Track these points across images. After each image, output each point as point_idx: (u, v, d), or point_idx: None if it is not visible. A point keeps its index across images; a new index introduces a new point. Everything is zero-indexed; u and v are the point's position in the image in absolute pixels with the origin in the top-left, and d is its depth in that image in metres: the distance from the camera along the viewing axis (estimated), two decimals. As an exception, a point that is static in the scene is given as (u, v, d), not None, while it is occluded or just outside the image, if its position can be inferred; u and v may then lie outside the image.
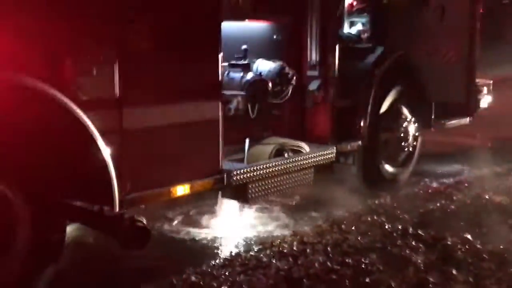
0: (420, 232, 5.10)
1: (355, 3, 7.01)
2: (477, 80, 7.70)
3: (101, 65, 3.81)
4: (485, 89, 7.85)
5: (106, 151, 3.74)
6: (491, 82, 8.02)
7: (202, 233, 5.39)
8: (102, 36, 3.81)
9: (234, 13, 5.06)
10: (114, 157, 3.79)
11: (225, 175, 4.69)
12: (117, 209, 3.83)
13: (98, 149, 3.70)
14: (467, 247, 4.81)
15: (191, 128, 4.45)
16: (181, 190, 4.39)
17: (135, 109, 4.02)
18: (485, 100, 7.85)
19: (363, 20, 6.95)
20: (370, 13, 6.83)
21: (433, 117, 7.10)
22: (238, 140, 5.20)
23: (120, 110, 3.93)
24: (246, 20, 5.47)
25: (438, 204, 6.06)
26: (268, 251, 4.81)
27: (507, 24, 18.02)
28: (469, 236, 5.01)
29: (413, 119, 6.89)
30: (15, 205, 3.63)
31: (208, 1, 4.50)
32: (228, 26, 4.82)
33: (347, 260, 4.57)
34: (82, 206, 3.93)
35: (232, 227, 5.55)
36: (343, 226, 5.35)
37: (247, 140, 5.20)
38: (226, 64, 5.14)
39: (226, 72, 5.21)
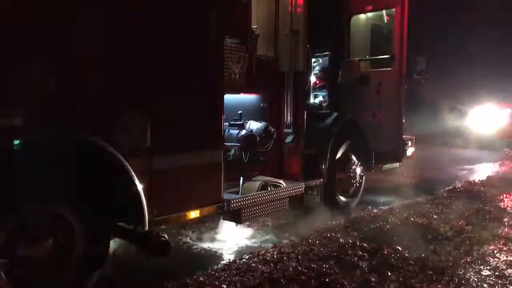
0: (364, 244, 5.07)
1: (317, 81, 7.14)
2: (404, 136, 7.77)
3: (138, 125, 3.84)
4: (409, 142, 7.91)
5: (139, 186, 3.73)
6: (414, 137, 8.09)
7: (207, 245, 5.32)
8: (141, 106, 3.87)
9: (233, 88, 5.10)
10: (145, 190, 3.79)
11: (225, 203, 4.68)
12: (147, 228, 3.81)
13: (134, 184, 3.70)
14: (398, 255, 4.78)
15: (201, 169, 4.44)
16: (193, 214, 4.36)
17: (162, 155, 4.03)
18: (410, 150, 7.90)
19: (323, 93, 7.08)
20: (328, 89, 6.97)
21: (373, 162, 7.13)
22: (235, 178, 5.20)
23: (151, 156, 3.95)
24: (241, 93, 5.52)
25: (377, 224, 6.04)
26: (255, 259, 4.75)
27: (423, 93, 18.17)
28: (399, 247, 4.99)
29: (359, 163, 6.92)
30: (75, 227, 3.59)
31: (214, 81, 4.56)
32: (229, 97, 4.88)
33: (312, 265, 4.52)
34: (122, 226, 3.89)
35: (229, 240, 5.49)
36: (310, 240, 5.31)
37: (241, 178, 5.19)
38: (227, 124, 5.17)
39: (227, 130, 5.24)
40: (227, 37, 4.81)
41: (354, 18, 7.02)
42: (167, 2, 4.06)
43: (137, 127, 3.85)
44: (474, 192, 8.15)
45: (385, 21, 7.43)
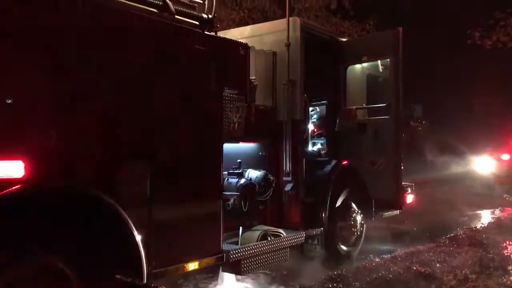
0: (367, 295, 4.95)
1: (315, 129, 7.20)
2: (403, 183, 7.74)
3: (138, 178, 3.84)
4: (409, 189, 7.87)
5: (138, 237, 3.68)
6: (413, 184, 8.06)
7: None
8: (141, 159, 3.89)
9: (232, 137, 5.12)
10: (143, 242, 3.73)
11: (224, 255, 4.60)
12: (145, 281, 3.72)
13: (133, 236, 3.65)
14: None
15: (200, 220, 4.41)
16: (192, 266, 4.29)
17: (161, 206, 4.00)
18: (410, 197, 7.85)
19: (322, 141, 7.11)
20: (326, 137, 7.01)
21: (373, 209, 7.07)
22: (234, 227, 5.14)
23: (149, 207, 3.91)
24: (240, 142, 5.52)
25: (379, 274, 5.91)
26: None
27: (421, 141, 18.32)
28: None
29: (359, 211, 6.86)
30: (72, 280, 3.50)
31: (213, 131, 4.60)
32: (228, 146, 4.91)
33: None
34: (121, 278, 3.80)
35: (229, 292, 5.36)
36: (311, 291, 5.19)
37: (240, 228, 5.14)
38: (226, 172, 5.17)
39: (226, 179, 5.22)
40: (226, 88, 4.89)
41: (350, 68, 7.17)
42: (167, 55, 4.15)
43: (136, 178, 3.84)
44: (476, 239, 8.03)
45: (380, 70, 7.59)
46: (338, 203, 6.60)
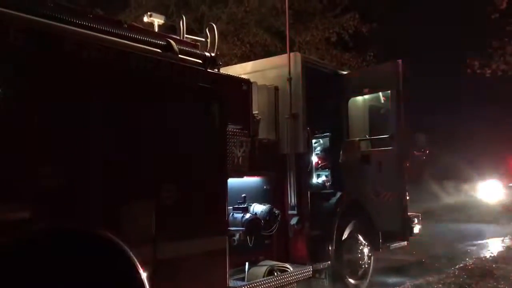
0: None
1: (319, 161, 7.20)
2: (409, 213, 7.66)
3: (143, 216, 3.84)
4: (416, 219, 7.78)
5: (143, 274, 3.65)
6: (420, 214, 7.99)
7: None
8: (145, 197, 3.90)
9: (236, 172, 5.15)
10: (149, 279, 3.69)
11: (231, 291, 4.55)
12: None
13: (138, 273, 3.62)
14: None
15: (206, 256, 4.36)
16: (198, 303, 4.22)
17: (166, 243, 3.98)
18: (417, 227, 7.75)
19: (326, 173, 7.10)
20: (331, 169, 7.00)
21: (380, 241, 6.99)
22: (240, 263, 5.09)
23: (154, 244, 3.89)
24: (244, 176, 5.53)
25: (389, 308, 5.80)
26: None
27: (420, 172, 18.13)
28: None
29: (366, 243, 6.78)
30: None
31: (217, 166, 4.61)
32: (232, 181, 4.90)
33: None
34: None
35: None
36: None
37: (247, 263, 5.09)
38: (231, 207, 5.14)
39: (231, 214, 5.19)
40: (229, 123, 4.94)
41: (351, 100, 7.23)
42: (171, 93, 4.21)
43: (141, 216, 3.84)
44: (486, 270, 7.89)
45: (382, 101, 7.64)
46: (345, 236, 6.54)
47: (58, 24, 3.48)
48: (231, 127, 5.02)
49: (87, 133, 3.53)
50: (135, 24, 4.59)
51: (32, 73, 3.24)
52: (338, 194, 6.64)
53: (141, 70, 3.94)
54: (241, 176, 5.39)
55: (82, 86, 3.52)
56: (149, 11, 5.35)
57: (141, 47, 4.06)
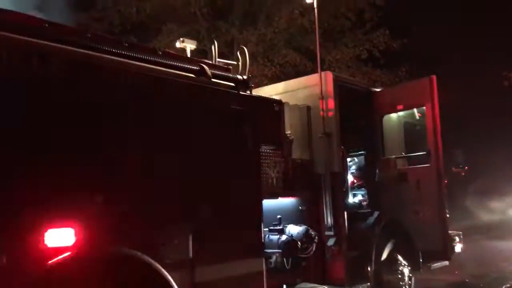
0: None
1: (355, 181, 7.11)
2: (450, 231, 7.43)
3: (180, 241, 3.86)
4: (457, 238, 7.54)
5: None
6: (461, 232, 7.73)
7: None
8: (182, 220, 3.92)
9: (271, 193, 5.13)
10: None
11: (269, 314, 4.48)
12: None
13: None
14: None
15: (242, 279, 4.36)
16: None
17: (203, 267, 3.99)
18: (459, 246, 7.50)
19: (362, 192, 6.99)
20: (367, 187, 6.89)
21: (421, 261, 6.77)
22: (277, 285, 5.03)
23: (192, 268, 3.90)
24: (279, 197, 5.49)
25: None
26: None
27: (459, 188, 17.58)
28: None
29: (406, 264, 6.58)
30: None
31: (252, 187, 4.62)
32: (267, 202, 4.90)
33: None
34: None
35: None
36: None
37: (284, 286, 5.02)
38: (266, 229, 5.12)
39: (267, 236, 5.17)
40: (262, 144, 4.95)
41: (386, 117, 7.14)
42: (205, 117, 4.27)
43: (178, 241, 3.86)
44: (536, 290, 7.54)
45: (417, 117, 7.51)
46: (384, 256, 6.37)
47: (97, 54, 3.60)
48: (264, 148, 5.03)
49: (126, 158, 3.61)
50: (169, 51, 4.70)
51: (74, 102, 3.35)
52: (376, 213, 6.51)
53: (176, 96, 4.02)
54: (275, 197, 5.36)
55: (120, 114, 3.62)
56: (181, 37, 5.49)
57: (176, 73, 4.14)
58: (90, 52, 3.58)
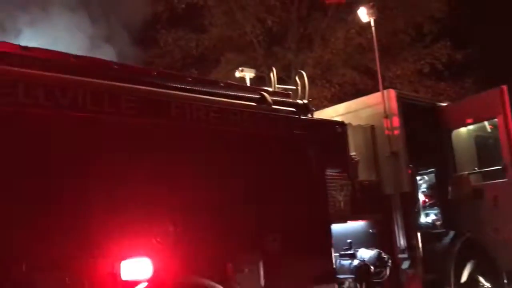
0: None
1: (426, 199, 6.83)
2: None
3: (251, 267, 3.86)
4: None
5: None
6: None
7: None
8: (252, 249, 3.94)
9: (339, 217, 5.05)
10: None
11: None
12: None
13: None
14: None
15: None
16: None
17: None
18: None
19: (435, 211, 6.70)
20: (440, 206, 6.60)
21: (505, 282, 6.34)
22: (352, 311, 4.89)
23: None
24: (348, 221, 5.37)
25: None
26: None
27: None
28: None
29: (489, 286, 6.19)
30: None
31: (320, 212, 4.58)
32: (335, 227, 4.83)
33: None
34: None
35: None
36: None
37: (359, 313, 4.87)
38: (337, 254, 5.04)
39: (338, 261, 5.06)
40: (327, 167, 4.91)
41: (454, 132, 6.86)
42: (267, 143, 4.32)
43: (248, 267, 3.87)
44: None
45: (489, 130, 7.15)
46: (464, 278, 6.04)
47: (163, 90, 3.77)
48: (329, 171, 4.98)
49: (198, 191, 3.73)
50: (230, 81, 4.83)
51: (144, 138, 3.52)
52: (451, 233, 6.21)
53: (239, 125, 4.10)
54: (344, 221, 5.26)
55: (189, 147, 3.76)
56: (239, 66, 5.63)
57: (238, 103, 4.24)
58: (157, 90, 3.75)
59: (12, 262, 2.89)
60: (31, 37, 6.34)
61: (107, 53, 7.62)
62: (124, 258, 3.26)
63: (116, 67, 3.72)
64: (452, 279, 5.81)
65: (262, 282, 3.88)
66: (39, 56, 3.33)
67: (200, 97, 3.97)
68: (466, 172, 6.66)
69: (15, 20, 6.74)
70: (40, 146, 3.13)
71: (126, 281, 3.25)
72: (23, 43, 3.47)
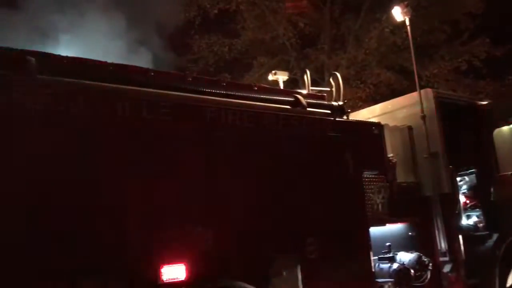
0: None
1: (468, 201, 6.64)
2: None
3: (289, 270, 3.85)
4: None
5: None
6: None
7: None
8: (291, 252, 3.92)
9: (377, 220, 4.98)
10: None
11: None
12: None
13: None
14: None
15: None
16: None
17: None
18: None
19: (477, 213, 6.50)
20: (482, 208, 6.40)
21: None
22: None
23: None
24: (386, 223, 5.28)
25: None
26: None
27: None
28: None
29: (537, 290, 5.96)
30: None
31: (358, 215, 4.53)
32: (374, 230, 4.76)
33: None
34: None
35: None
36: None
37: (399, 317, 4.78)
38: (376, 258, 4.96)
39: (377, 264, 4.99)
40: (364, 169, 4.85)
41: (496, 130, 6.64)
42: (303, 145, 4.30)
43: (287, 271, 3.86)
44: None
45: (533, 128, 6.89)
46: (509, 283, 5.83)
47: (199, 96, 3.82)
48: (367, 174, 4.92)
49: (234, 194, 3.74)
50: (264, 85, 4.84)
51: (181, 144, 3.57)
52: (495, 235, 6.01)
53: (274, 129, 4.10)
54: (383, 223, 5.18)
55: (224, 152, 3.79)
56: (271, 69, 5.62)
57: (272, 107, 4.24)
58: (193, 95, 3.80)
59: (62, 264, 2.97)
60: (69, 43, 6.53)
61: (142, 59, 7.80)
62: (164, 263, 3.31)
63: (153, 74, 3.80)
64: (497, 283, 5.62)
65: (300, 286, 3.86)
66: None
67: (235, 102, 3.99)
68: (510, 173, 6.44)
69: (54, 25, 6.95)
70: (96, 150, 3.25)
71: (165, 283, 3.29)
72: (62, 48, 3.59)
